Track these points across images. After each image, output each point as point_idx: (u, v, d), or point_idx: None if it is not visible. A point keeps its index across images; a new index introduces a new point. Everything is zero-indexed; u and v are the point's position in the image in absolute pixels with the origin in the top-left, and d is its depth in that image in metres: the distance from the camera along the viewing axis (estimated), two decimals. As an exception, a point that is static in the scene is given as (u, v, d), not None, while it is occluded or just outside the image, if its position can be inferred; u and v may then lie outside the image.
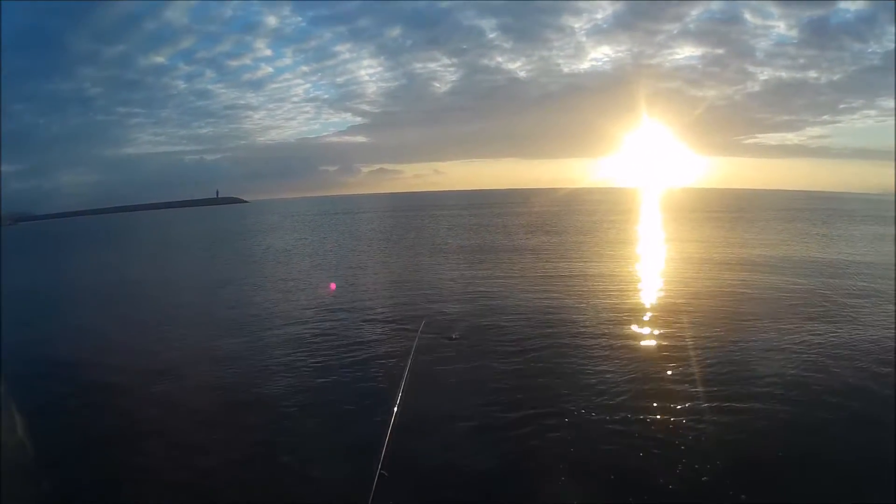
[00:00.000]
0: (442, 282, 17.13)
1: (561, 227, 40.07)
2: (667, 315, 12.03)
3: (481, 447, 6.20)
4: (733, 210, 64.95)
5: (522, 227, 40.17)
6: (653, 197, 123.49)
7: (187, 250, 36.42)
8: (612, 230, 36.88)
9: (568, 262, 20.51)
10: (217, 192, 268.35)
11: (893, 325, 10.64)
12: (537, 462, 5.92)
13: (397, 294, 15.08)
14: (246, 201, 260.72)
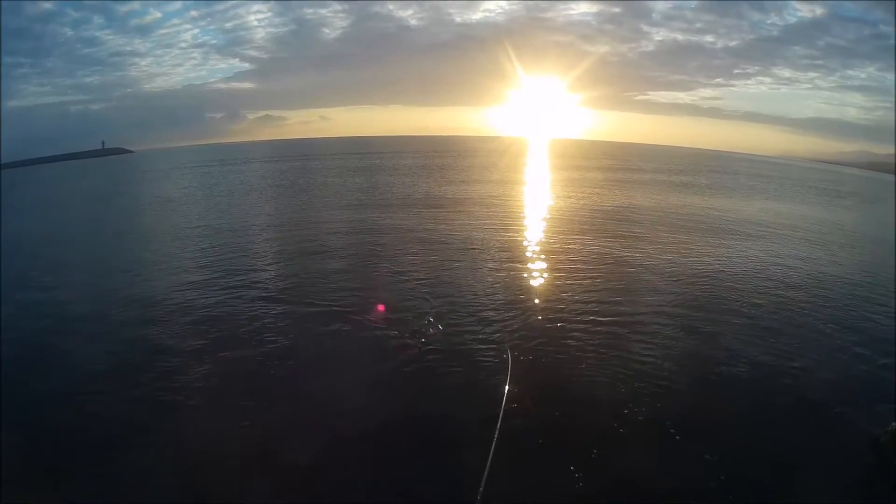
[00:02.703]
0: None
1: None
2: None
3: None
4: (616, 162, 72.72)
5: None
6: (537, 147, 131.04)
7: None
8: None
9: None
10: (103, 143, 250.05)
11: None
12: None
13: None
14: (132, 151, 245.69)
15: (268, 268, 15.33)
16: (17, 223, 28.28)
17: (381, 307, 11.45)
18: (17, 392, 8.48)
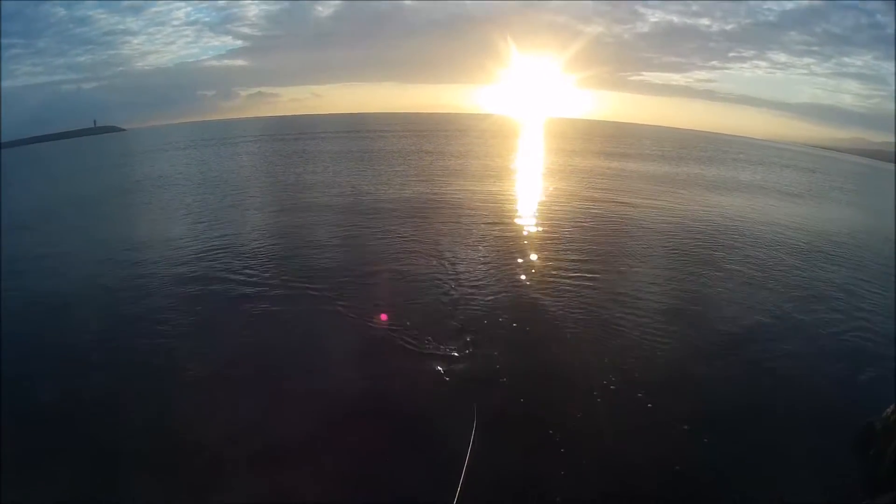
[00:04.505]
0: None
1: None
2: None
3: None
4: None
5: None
6: (532, 126, 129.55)
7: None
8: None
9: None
10: (94, 122, 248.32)
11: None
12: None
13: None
14: (124, 130, 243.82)
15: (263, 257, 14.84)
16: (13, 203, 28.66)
17: (382, 315, 10.95)
18: (18, 391, 8.46)
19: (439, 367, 8.50)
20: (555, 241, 16.26)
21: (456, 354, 8.87)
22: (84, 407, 7.84)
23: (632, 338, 9.74)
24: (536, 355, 9.08)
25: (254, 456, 6.56)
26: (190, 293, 12.01)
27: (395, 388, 8.09)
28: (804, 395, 8.20)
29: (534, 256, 14.62)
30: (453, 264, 13.57)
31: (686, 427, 7.12)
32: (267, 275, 12.96)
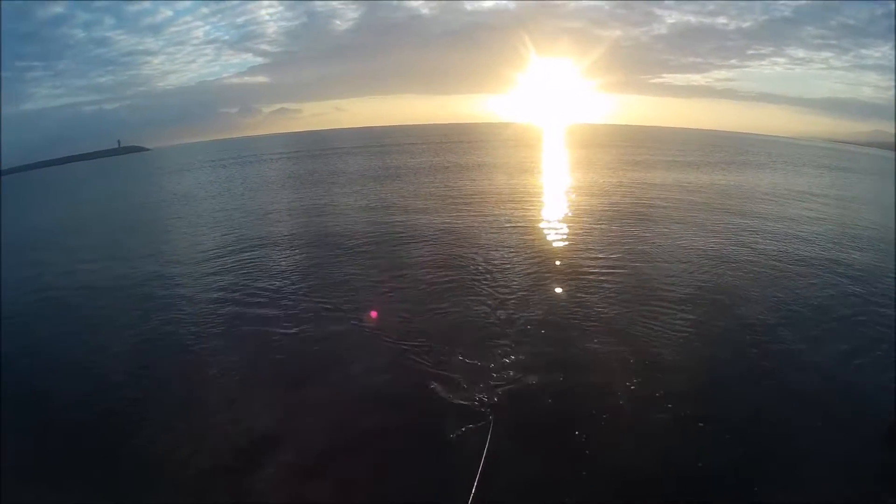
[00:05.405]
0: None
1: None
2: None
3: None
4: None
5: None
6: (557, 133, 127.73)
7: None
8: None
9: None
10: (118, 142, 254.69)
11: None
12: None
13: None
14: (148, 149, 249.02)
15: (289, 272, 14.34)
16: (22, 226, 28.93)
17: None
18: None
19: (458, 370, 8.33)
20: (592, 261, 14.11)
21: (478, 363, 8.57)
22: (106, 416, 7.77)
23: (658, 335, 9.52)
24: (559, 355, 8.84)
25: (280, 462, 6.51)
26: (215, 300, 12.18)
27: (413, 391, 7.89)
28: (833, 391, 7.87)
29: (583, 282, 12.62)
30: (486, 274, 13.00)
31: (709, 426, 6.94)
32: (293, 287, 12.80)
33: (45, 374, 9.16)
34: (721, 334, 9.61)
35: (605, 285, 11.96)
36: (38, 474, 6.59)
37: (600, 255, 14.37)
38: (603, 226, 18.16)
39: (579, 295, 11.39)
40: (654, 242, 15.84)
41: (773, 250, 15.33)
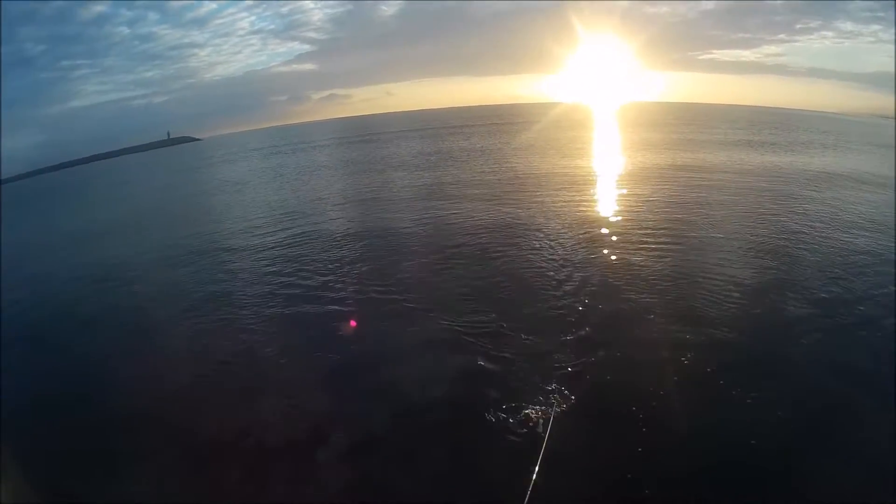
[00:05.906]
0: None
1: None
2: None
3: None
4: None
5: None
6: (606, 113, 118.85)
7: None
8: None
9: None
10: (168, 133, 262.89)
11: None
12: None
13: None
14: (199, 139, 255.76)
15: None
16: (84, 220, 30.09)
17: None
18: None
19: (513, 356, 8.18)
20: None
21: (530, 341, 8.60)
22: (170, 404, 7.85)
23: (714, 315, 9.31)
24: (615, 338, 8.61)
25: (341, 451, 6.42)
26: (269, 291, 12.22)
27: (472, 379, 7.71)
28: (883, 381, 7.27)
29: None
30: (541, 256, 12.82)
31: (761, 407, 6.69)
32: (346, 278, 12.62)
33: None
34: (780, 315, 9.31)
35: (659, 265, 11.86)
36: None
37: (654, 237, 14.10)
38: (659, 211, 17.15)
39: (634, 270, 11.57)
40: (707, 225, 15.23)
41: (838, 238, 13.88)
